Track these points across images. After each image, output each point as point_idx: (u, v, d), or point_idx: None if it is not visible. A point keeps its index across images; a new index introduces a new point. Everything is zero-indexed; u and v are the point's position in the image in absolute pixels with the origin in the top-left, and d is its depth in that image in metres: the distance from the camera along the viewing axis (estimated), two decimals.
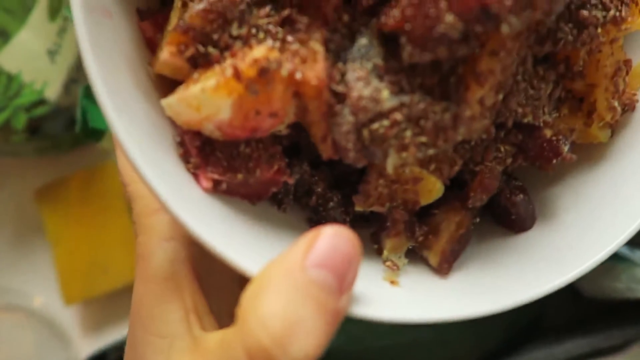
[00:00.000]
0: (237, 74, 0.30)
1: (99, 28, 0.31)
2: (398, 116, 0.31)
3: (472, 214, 0.38)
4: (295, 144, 0.39)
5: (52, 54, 0.70)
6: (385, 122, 0.31)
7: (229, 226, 0.36)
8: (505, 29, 0.27)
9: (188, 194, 0.34)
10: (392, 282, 0.36)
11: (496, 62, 0.31)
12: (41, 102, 0.69)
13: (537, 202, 0.40)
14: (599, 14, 0.32)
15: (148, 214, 0.39)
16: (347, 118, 0.32)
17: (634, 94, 0.38)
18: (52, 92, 0.69)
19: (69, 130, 0.75)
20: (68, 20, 0.72)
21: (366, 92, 0.31)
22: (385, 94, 0.32)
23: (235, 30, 0.33)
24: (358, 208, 0.38)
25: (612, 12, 0.32)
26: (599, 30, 0.33)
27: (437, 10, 0.28)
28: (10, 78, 0.68)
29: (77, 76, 0.73)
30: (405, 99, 0.31)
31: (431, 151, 0.32)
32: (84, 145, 0.78)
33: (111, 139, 0.73)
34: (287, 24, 0.33)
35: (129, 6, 0.35)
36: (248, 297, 0.29)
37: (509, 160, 0.38)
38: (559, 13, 0.32)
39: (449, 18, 0.27)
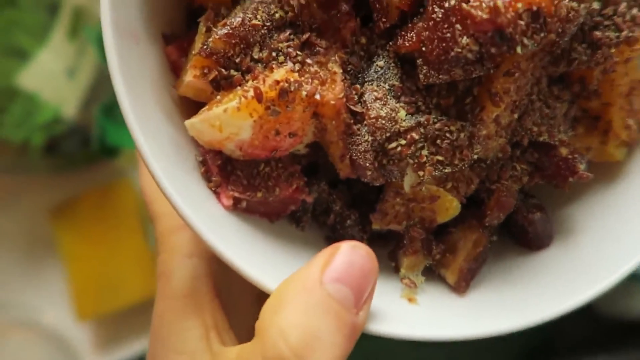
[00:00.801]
0: (258, 95, 0.31)
1: (127, 53, 0.32)
2: (415, 135, 0.32)
3: (489, 232, 0.39)
4: (314, 164, 0.40)
5: (70, 73, 0.72)
6: (402, 142, 0.32)
7: (249, 243, 0.36)
8: (519, 50, 0.28)
9: (209, 211, 0.35)
10: (410, 300, 0.36)
11: (511, 83, 0.32)
12: (58, 120, 0.71)
13: (554, 220, 0.40)
14: (612, 35, 0.33)
15: (170, 232, 0.40)
16: (364, 137, 0.33)
17: None
18: (70, 111, 0.71)
19: (84, 148, 0.77)
20: (86, 41, 0.74)
21: (383, 112, 0.32)
22: (402, 113, 0.32)
23: (256, 54, 0.34)
24: (375, 226, 0.39)
25: (625, 33, 0.33)
26: (613, 50, 0.33)
27: (452, 33, 0.28)
28: (29, 97, 0.70)
29: (93, 95, 0.75)
30: (422, 118, 0.32)
31: (447, 170, 0.33)
32: (98, 163, 0.80)
33: (127, 157, 0.75)
34: (306, 47, 0.34)
35: (155, 31, 0.36)
36: (267, 311, 0.30)
37: (526, 179, 0.38)
38: (572, 34, 0.32)
39: (464, 41, 0.28)
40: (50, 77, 0.71)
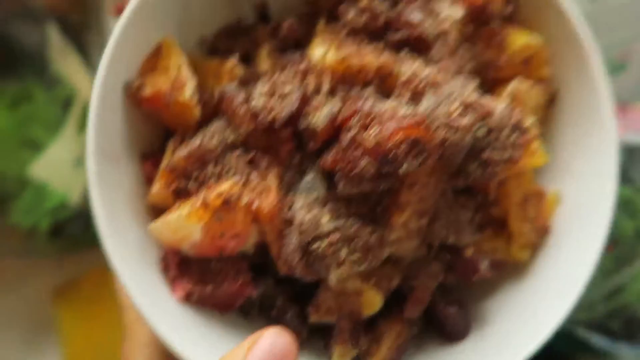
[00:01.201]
0: (205, 204, 0.38)
1: (107, 168, 0.40)
2: (334, 238, 0.39)
3: (411, 325, 0.43)
4: (263, 263, 0.47)
5: (77, 163, 0.78)
6: (324, 243, 0.39)
7: (199, 333, 0.42)
8: (404, 170, 0.35)
9: (165, 305, 0.41)
10: None
11: (413, 194, 0.39)
12: (65, 206, 0.77)
13: (473, 314, 0.45)
14: (498, 155, 0.41)
15: (133, 322, 0.45)
16: (293, 239, 0.39)
17: (546, 220, 0.45)
18: (75, 197, 0.77)
19: (87, 231, 0.81)
20: None
21: (307, 217, 0.39)
22: (325, 219, 0.39)
23: (211, 170, 0.42)
24: (312, 319, 0.44)
25: (507, 154, 0.40)
26: (499, 168, 0.41)
27: (354, 156, 0.36)
28: (39, 186, 0.76)
29: None
30: (340, 223, 0.39)
31: (363, 267, 0.39)
32: (99, 245, 0.84)
33: None
34: (252, 163, 0.42)
35: (134, 151, 0.45)
36: None
37: (441, 276, 0.44)
38: (464, 155, 0.40)
39: (364, 162, 0.36)
40: (59, 167, 0.77)
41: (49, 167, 0.76)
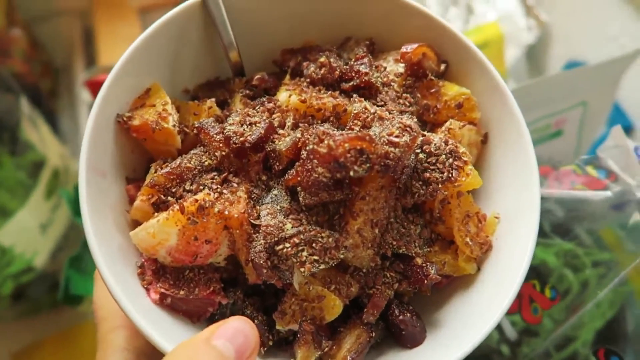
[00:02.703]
0: (182, 209, 0.44)
1: (95, 181, 0.45)
2: (296, 240, 0.44)
3: (369, 330, 0.47)
4: (234, 278, 0.51)
5: (44, 227, 0.80)
6: (287, 245, 0.44)
7: (174, 332, 0.45)
8: (352, 174, 0.41)
9: (145, 304, 0.45)
10: None
11: (365, 204, 0.45)
12: (29, 269, 0.78)
13: (428, 323, 0.49)
14: (437, 175, 0.47)
15: (109, 332, 0.48)
16: (259, 241, 0.44)
17: (487, 236, 0.50)
18: (40, 261, 0.79)
19: (50, 293, 0.82)
20: (60, 198, 0.80)
21: (272, 222, 0.44)
22: (288, 226, 0.45)
23: (188, 186, 0.47)
24: (279, 326, 0.47)
25: (445, 174, 0.47)
26: (440, 186, 0.47)
27: (312, 165, 0.42)
28: (4, 250, 0.77)
29: (64, 244, 0.82)
30: (301, 228, 0.44)
31: (322, 266, 0.44)
32: (61, 308, 0.84)
33: (89, 303, 0.82)
34: (225, 182, 0.48)
35: (120, 172, 0.50)
36: None
37: (396, 285, 0.48)
38: (409, 174, 0.47)
39: (320, 170, 0.42)
40: (26, 232, 0.79)
41: (16, 233, 0.78)
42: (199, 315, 0.48)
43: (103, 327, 0.49)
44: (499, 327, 0.69)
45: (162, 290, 0.45)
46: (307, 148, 0.43)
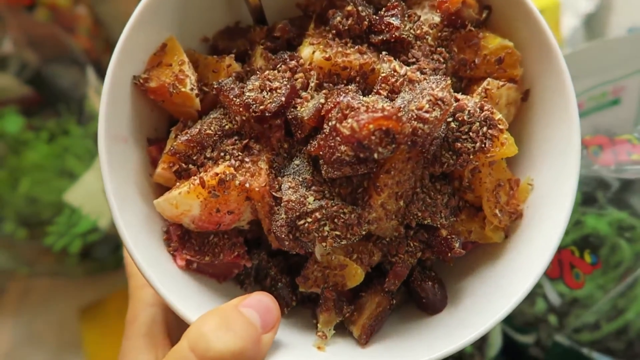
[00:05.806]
0: (202, 183, 0.43)
1: (116, 148, 0.45)
2: (318, 215, 0.43)
3: (390, 297, 0.48)
4: (258, 239, 0.51)
5: None
6: (309, 219, 0.43)
7: (198, 296, 0.47)
8: (377, 156, 0.39)
9: (167, 271, 0.46)
10: (319, 348, 0.45)
11: (390, 178, 0.43)
12: (95, 230, 0.84)
13: (451, 291, 0.50)
14: (469, 146, 0.44)
15: (138, 287, 0.50)
16: (281, 215, 0.44)
17: (518, 205, 0.48)
18: (104, 222, 0.84)
19: (113, 254, 0.89)
20: None
21: (293, 197, 0.43)
22: (310, 199, 0.44)
23: (208, 154, 0.46)
24: (301, 289, 0.49)
25: (478, 144, 0.44)
26: (471, 157, 0.44)
27: (335, 143, 0.40)
28: (73, 211, 0.84)
29: None
30: (324, 203, 0.43)
31: (344, 242, 0.43)
32: (123, 269, 0.89)
33: None
34: (246, 149, 0.47)
35: (141, 135, 0.49)
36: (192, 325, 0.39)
37: (419, 254, 0.48)
38: (439, 145, 0.44)
39: (343, 148, 0.40)
40: (91, 195, 0.85)
41: (82, 194, 0.83)
42: (225, 276, 0.50)
43: (132, 283, 0.51)
44: (544, 296, 0.69)
45: (188, 257, 0.46)
46: (330, 124, 0.41)
